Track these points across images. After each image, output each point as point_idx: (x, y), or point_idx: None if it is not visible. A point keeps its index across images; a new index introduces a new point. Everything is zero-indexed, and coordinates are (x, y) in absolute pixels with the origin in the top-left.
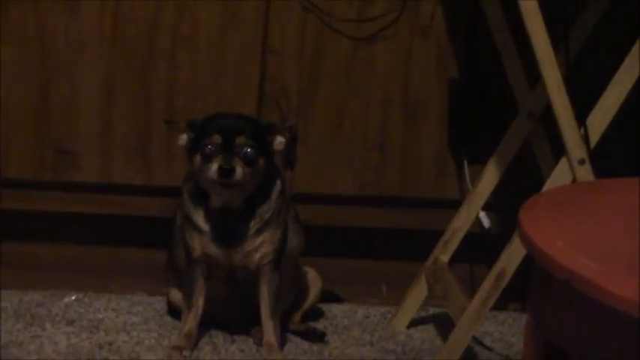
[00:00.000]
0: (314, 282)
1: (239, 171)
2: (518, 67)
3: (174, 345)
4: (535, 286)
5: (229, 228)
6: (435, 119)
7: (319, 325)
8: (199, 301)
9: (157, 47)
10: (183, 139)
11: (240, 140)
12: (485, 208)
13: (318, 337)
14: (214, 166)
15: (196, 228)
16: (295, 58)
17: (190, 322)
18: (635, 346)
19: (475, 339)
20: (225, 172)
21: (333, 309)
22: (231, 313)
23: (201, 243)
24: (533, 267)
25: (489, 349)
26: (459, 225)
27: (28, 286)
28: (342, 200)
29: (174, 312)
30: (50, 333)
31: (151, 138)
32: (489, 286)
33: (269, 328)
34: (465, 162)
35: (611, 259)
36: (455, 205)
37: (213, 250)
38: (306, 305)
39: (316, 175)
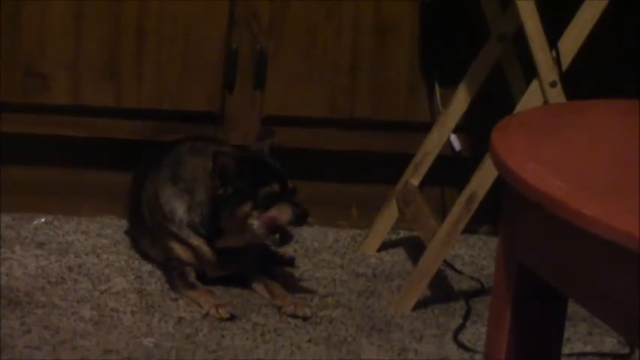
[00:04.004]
0: None
1: None
2: None
3: (213, 305)
4: (507, 209)
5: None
6: (407, 42)
7: (289, 248)
8: (197, 283)
9: None
10: (217, 187)
11: (291, 184)
12: (457, 130)
13: (287, 261)
14: (288, 213)
15: (191, 247)
16: None
17: (201, 290)
18: (608, 268)
19: (446, 262)
20: (304, 217)
21: (303, 232)
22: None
23: (194, 256)
24: (504, 189)
25: (460, 272)
26: (430, 148)
27: None
28: (313, 123)
29: None
30: (19, 255)
31: (121, 59)
32: (460, 209)
33: (276, 287)
34: (437, 84)
35: (583, 181)
36: (426, 127)
37: (207, 267)
38: None
39: (287, 97)
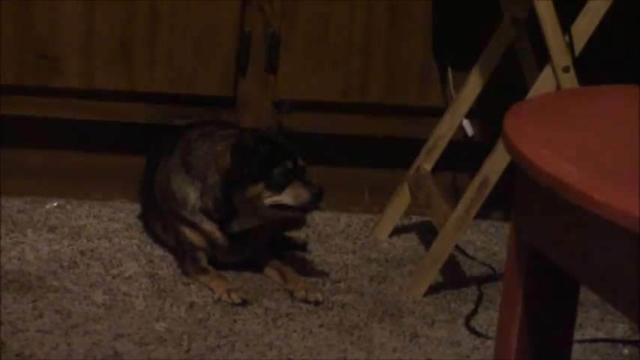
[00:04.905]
0: None
1: None
2: None
3: (225, 290)
4: (519, 194)
5: (239, 238)
6: (420, 25)
7: (301, 233)
8: (209, 268)
9: None
10: (236, 167)
11: (301, 161)
12: (469, 115)
13: (300, 246)
14: (306, 193)
15: (203, 232)
16: None
17: (213, 274)
18: (620, 253)
19: (458, 247)
20: (320, 195)
21: (315, 217)
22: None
23: (207, 241)
24: (516, 174)
25: (472, 257)
26: (443, 132)
27: (9, 192)
28: (325, 107)
29: None
30: (32, 239)
31: (134, 43)
32: (472, 195)
33: (288, 272)
34: (449, 68)
35: (596, 166)
36: (439, 112)
37: (219, 252)
38: None
39: (300, 81)
